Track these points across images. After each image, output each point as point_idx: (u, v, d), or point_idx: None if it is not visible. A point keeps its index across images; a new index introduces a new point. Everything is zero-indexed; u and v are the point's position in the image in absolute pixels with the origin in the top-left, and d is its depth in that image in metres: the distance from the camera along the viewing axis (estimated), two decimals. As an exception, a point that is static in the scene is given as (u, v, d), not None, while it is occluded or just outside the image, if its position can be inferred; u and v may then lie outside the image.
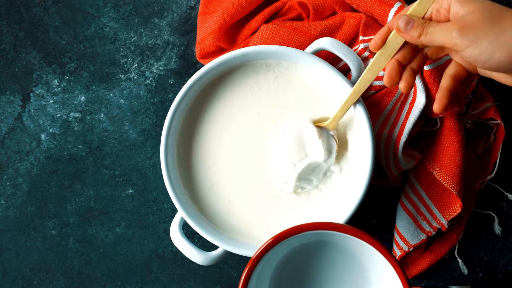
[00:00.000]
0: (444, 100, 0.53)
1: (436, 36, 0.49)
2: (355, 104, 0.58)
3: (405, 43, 0.53)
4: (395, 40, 0.53)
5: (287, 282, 0.60)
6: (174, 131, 0.60)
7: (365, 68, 0.62)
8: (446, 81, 0.53)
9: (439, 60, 0.60)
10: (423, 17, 0.52)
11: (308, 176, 0.60)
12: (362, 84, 0.56)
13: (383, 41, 0.53)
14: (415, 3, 0.52)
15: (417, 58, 0.54)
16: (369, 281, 0.59)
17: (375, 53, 0.55)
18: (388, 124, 0.63)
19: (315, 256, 0.59)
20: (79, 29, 0.68)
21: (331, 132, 0.60)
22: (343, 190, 0.60)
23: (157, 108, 0.68)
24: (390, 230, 0.67)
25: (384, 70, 0.55)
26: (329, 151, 0.60)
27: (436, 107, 0.53)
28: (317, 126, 0.60)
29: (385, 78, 0.54)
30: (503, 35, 0.45)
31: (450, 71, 0.54)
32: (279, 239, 0.53)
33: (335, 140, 0.60)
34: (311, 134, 0.60)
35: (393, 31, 0.53)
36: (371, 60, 0.56)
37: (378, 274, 0.58)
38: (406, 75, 0.53)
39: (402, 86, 0.53)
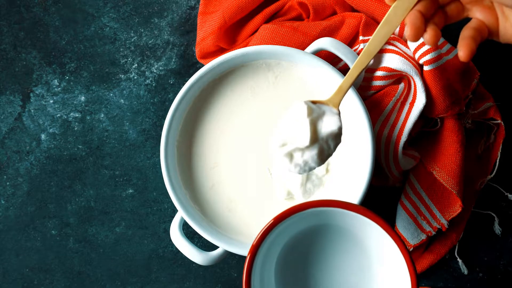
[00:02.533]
0: (471, 45, 0.45)
1: None
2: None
3: None
4: None
5: (291, 268, 0.60)
6: (174, 131, 0.60)
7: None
8: (468, 31, 0.46)
9: (439, 60, 0.60)
10: None
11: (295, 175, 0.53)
12: (376, 43, 0.47)
13: None
14: None
15: (438, 16, 0.47)
16: (370, 260, 0.58)
17: (390, 5, 0.47)
18: (388, 124, 0.63)
19: (318, 240, 0.59)
20: (79, 29, 0.68)
21: (334, 110, 0.49)
22: (343, 190, 0.60)
23: (157, 108, 0.68)
24: (390, 230, 0.67)
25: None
26: (316, 135, 0.47)
27: (462, 54, 0.46)
28: (313, 102, 0.49)
29: (407, 30, 0.46)
30: None
31: (471, 25, 0.47)
32: (281, 218, 0.52)
33: (339, 121, 0.48)
34: (299, 112, 0.48)
35: None
36: (386, 14, 0.47)
37: (379, 251, 0.57)
38: (431, 26, 0.46)
39: (428, 37, 0.46)
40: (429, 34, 0.46)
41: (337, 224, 0.58)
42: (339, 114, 0.48)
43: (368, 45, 0.48)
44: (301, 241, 0.59)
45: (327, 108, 0.49)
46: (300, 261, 0.59)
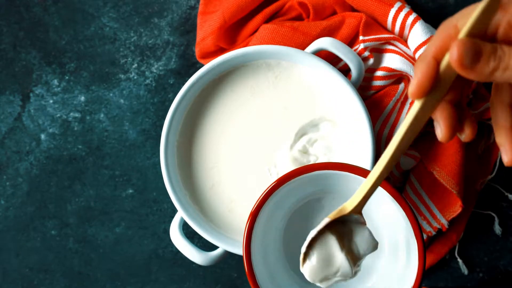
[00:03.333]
0: None
1: None
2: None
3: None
4: (446, 77, 0.36)
5: (294, 234, 0.60)
6: (174, 131, 0.60)
7: (365, 67, 0.62)
8: (507, 132, 0.37)
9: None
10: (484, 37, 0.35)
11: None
12: (401, 147, 0.39)
13: (433, 81, 0.35)
14: (474, 16, 0.34)
15: (464, 95, 0.40)
16: (374, 224, 0.59)
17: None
18: (388, 124, 0.63)
19: (322, 205, 0.59)
20: (79, 29, 0.68)
21: (361, 220, 0.46)
22: (343, 190, 0.60)
23: (157, 108, 0.68)
24: (390, 230, 0.67)
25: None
26: (356, 261, 0.47)
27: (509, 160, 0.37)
28: (335, 221, 0.45)
29: (442, 131, 0.38)
30: None
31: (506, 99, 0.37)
32: (284, 180, 0.53)
33: (373, 238, 0.47)
34: (329, 245, 0.47)
35: (444, 65, 0.36)
36: (411, 113, 0.38)
37: (382, 217, 0.58)
38: (468, 122, 0.38)
39: (467, 135, 0.38)
40: (467, 133, 0.38)
41: (341, 189, 0.57)
42: (365, 222, 0.46)
43: (392, 151, 0.40)
44: (304, 206, 0.59)
45: (353, 221, 0.46)
46: (303, 226, 0.59)
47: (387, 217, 0.57)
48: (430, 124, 0.64)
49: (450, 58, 0.34)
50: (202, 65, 0.67)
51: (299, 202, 0.58)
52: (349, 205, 0.45)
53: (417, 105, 0.37)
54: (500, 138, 0.38)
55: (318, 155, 0.61)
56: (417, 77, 0.36)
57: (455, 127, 0.37)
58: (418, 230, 0.51)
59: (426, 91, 0.36)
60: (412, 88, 0.36)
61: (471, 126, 0.38)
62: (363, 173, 0.52)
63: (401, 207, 0.51)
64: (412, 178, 0.65)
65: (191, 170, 0.61)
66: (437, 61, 0.36)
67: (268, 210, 0.54)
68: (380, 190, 0.52)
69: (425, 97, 0.36)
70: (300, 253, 0.58)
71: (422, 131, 0.62)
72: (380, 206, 0.56)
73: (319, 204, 0.59)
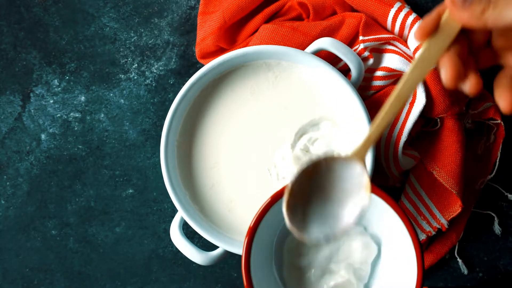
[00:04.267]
0: (510, 96, 0.40)
1: (510, 7, 0.36)
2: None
3: (458, 36, 0.41)
4: (449, 26, 0.40)
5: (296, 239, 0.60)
6: (174, 131, 0.60)
7: (364, 67, 0.62)
8: (505, 80, 0.41)
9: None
10: None
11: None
12: (409, 85, 0.42)
13: (435, 26, 0.40)
14: None
15: (470, 62, 0.42)
16: (372, 232, 0.60)
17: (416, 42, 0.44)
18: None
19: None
20: (79, 29, 0.68)
21: (359, 168, 0.44)
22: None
23: (157, 108, 0.68)
24: (390, 230, 0.67)
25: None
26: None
27: (503, 107, 0.41)
28: (338, 158, 0.45)
29: (447, 73, 0.40)
30: None
31: (507, 73, 0.41)
32: (278, 196, 0.53)
33: (366, 236, 0.56)
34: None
35: (445, 14, 0.41)
36: (418, 54, 0.42)
37: (380, 225, 0.59)
38: (473, 73, 0.41)
39: (471, 85, 0.40)
40: (472, 82, 0.40)
41: None
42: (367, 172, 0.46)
43: (399, 89, 0.42)
44: None
45: (357, 168, 0.45)
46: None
47: (385, 223, 0.57)
48: (430, 124, 0.64)
49: (445, 0, 0.40)
50: (202, 65, 0.67)
51: None
52: (356, 148, 0.44)
53: (423, 46, 0.41)
54: (503, 94, 0.41)
55: (319, 155, 0.61)
56: (422, 21, 0.40)
57: (460, 74, 0.40)
58: (414, 234, 0.51)
59: (429, 32, 0.40)
60: (416, 30, 0.40)
61: (475, 77, 0.40)
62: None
63: (394, 210, 0.52)
64: (412, 178, 0.65)
65: (191, 170, 0.61)
66: (440, 14, 0.41)
67: (267, 222, 0.54)
68: (375, 197, 0.52)
69: (430, 40, 0.41)
70: (301, 265, 0.58)
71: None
72: (380, 214, 0.56)
73: None
